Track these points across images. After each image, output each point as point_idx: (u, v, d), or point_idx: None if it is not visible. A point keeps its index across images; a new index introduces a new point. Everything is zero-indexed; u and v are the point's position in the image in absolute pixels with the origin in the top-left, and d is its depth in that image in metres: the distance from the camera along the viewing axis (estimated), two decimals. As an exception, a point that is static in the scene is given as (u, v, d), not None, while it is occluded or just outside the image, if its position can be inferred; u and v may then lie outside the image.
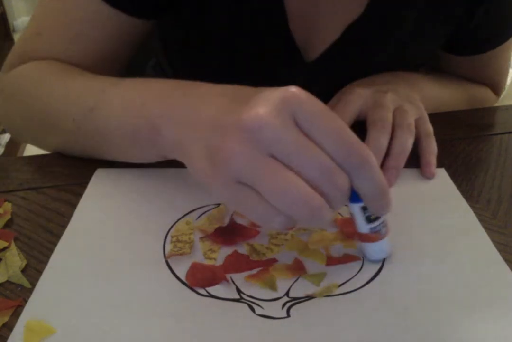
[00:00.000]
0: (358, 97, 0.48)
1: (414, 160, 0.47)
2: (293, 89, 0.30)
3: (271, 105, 0.29)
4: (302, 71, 0.56)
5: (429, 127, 0.48)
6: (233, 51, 0.55)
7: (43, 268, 0.37)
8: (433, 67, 0.66)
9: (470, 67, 0.63)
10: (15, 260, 0.37)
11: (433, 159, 0.47)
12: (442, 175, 0.47)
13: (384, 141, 0.44)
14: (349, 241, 0.39)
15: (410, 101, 0.50)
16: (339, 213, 0.42)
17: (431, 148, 0.47)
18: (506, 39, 0.59)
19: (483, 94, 0.67)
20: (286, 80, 0.56)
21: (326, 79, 0.56)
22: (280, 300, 0.34)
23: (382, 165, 0.44)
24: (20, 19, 2.94)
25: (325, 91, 0.58)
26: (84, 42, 0.50)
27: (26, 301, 0.34)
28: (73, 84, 0.46)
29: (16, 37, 2.18)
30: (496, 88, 0.68)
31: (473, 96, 0.65)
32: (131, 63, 0.58)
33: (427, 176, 0.46)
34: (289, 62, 0.56)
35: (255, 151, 0.29)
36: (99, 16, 0.48)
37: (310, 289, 0.35)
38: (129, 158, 0.44)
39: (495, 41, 0.59)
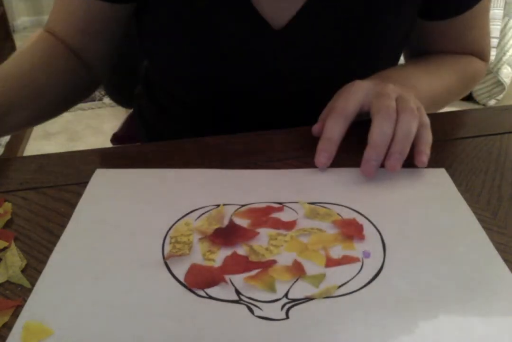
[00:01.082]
0: (360, 88, 0.49)
1: (414, 160, 0.47)
2: None
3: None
4: (272, 40, 0.56)
5: (426, 119, 0.48)
6: (198, 28, 0.56)
7: (43, 268, 0.37)
8: (417, 45, 0.66)
9: (453, 33, 0.64)
10: (15, 260, 0.37)
11: (426, 149, 0.47)
12: (442, 175, 0.47)
13: (388, 127, 0.45)
14: (349, 242, 0.39)
15: (408, 95, 0.50)
16: (338, 214, 0.42)
17: (425, 138, 0.47)
18: None
19: (472, 66, 0.67)
20: (258, 50, 0.57)
21: (299, 46, 0.57)
22: (279, 302, 0.34)
23: (387, 152, 0.45)
24: (20, 19, 2.94)
25: (300, 60, 0.58)
26: (66, 15, 0.58)
27: (26, 301, 0.34)
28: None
29: (16, 37, 2.17)
30: (482, 53, 0.68)
31: (464, 73, 0.65)
32: (125, 62, 0.59)
33: (418, 164, 0.46)
34: (257, 32, 0.56)
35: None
36: None
37: (309, 290, 0.35)
38: None
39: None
